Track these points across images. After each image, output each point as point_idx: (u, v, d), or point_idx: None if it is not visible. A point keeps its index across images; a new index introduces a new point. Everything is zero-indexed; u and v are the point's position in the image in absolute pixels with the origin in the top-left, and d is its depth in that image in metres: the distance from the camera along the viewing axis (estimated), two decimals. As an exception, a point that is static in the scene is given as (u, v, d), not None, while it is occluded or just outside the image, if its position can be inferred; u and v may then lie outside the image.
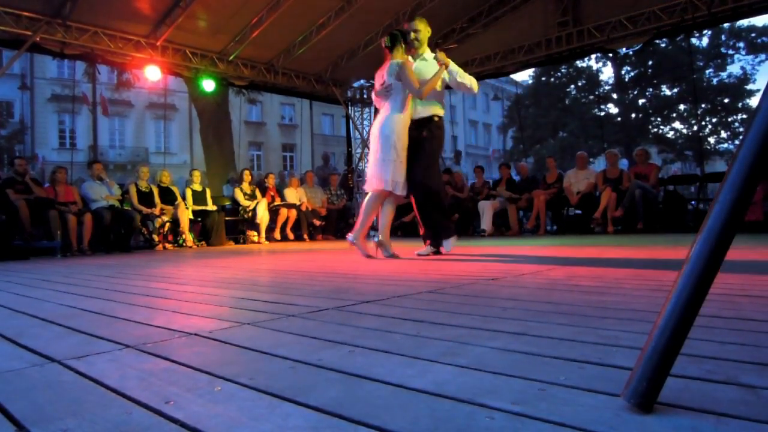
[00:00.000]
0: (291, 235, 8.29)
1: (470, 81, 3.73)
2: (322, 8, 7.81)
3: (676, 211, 6.85)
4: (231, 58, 8.52)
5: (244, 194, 8.12)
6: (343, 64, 9.47)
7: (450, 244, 3.73)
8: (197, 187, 7.71)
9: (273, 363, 0.93)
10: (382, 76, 3.69)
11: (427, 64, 3.70)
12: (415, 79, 3.56)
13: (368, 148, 10.91)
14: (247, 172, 8.30)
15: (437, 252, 3.74)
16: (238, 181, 8.42)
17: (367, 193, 3.70)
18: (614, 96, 23.66)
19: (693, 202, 7.74)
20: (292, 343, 1.08)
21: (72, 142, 22.95)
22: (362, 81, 10.79)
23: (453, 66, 3.66)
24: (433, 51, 3.77)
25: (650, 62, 21.65)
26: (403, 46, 3.70)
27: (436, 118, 3.71)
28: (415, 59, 3.76)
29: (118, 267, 3.68)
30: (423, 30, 3.76)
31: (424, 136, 3.63)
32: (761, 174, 0.59)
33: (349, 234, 3.73)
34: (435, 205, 3.70)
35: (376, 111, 3.87)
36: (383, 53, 3.74)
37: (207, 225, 7.54)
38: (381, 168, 3.52)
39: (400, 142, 3.53)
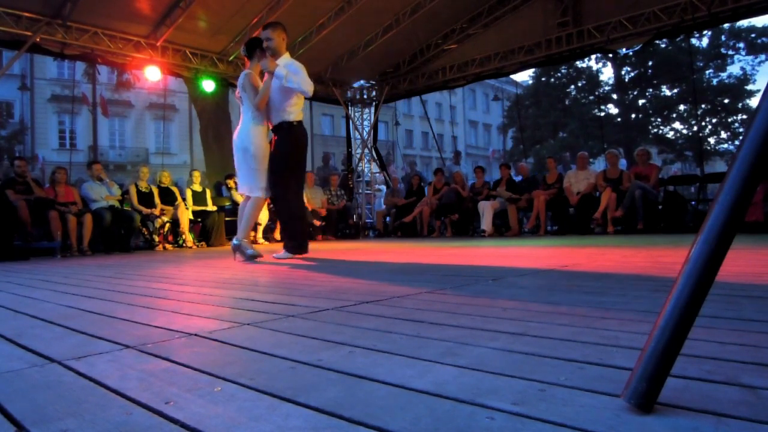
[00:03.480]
0: (291, 236, 8.28)
1: (307, 84, 3.64)
2: (322, 8, 7.82)
3: (676, 211, 6.84)
4: (231, 58, 8.52)
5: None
6: (343, 65, 9.47)
7: (284, 255, 3.81)
8: (197, 188, 7.71)
9: (273, 363, 0.93)
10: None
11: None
12: (257, 90, 3.70)
13: (368, 149, 10.98)
14: (231, 182, 8.24)
15: (302, 251, 3.87)
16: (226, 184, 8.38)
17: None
18: (614, 96, 23.67)
19: (693, 203, 7.73)
20: (292, 344, 1.08)
21: (72, 143, 22.97)
22: (362, 81, 10.80)
23: (280, 71, 3.60)
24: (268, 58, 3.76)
25: (650, 63, 21.67)
26: (259, 54, 3.78)
27: (285, 125, 3.79)
28: None
29: (118, 267, 3.68)
30: (276, 38, 3.76)
31: (273, 145, 3.82)
32: (761, 174, 0.59)
33: (235, 238, 3.83)
34: (284, 212, 3.89)
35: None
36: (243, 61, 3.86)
37: (207, 225, 7.54)
38: (250, 177, 3.76)
39: (260, 152, 3.74)
